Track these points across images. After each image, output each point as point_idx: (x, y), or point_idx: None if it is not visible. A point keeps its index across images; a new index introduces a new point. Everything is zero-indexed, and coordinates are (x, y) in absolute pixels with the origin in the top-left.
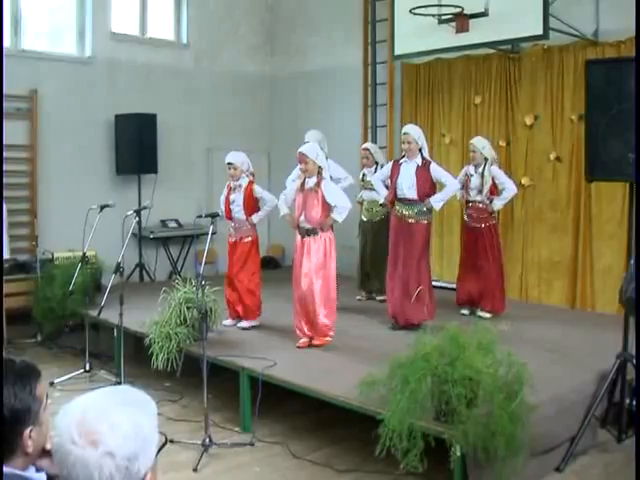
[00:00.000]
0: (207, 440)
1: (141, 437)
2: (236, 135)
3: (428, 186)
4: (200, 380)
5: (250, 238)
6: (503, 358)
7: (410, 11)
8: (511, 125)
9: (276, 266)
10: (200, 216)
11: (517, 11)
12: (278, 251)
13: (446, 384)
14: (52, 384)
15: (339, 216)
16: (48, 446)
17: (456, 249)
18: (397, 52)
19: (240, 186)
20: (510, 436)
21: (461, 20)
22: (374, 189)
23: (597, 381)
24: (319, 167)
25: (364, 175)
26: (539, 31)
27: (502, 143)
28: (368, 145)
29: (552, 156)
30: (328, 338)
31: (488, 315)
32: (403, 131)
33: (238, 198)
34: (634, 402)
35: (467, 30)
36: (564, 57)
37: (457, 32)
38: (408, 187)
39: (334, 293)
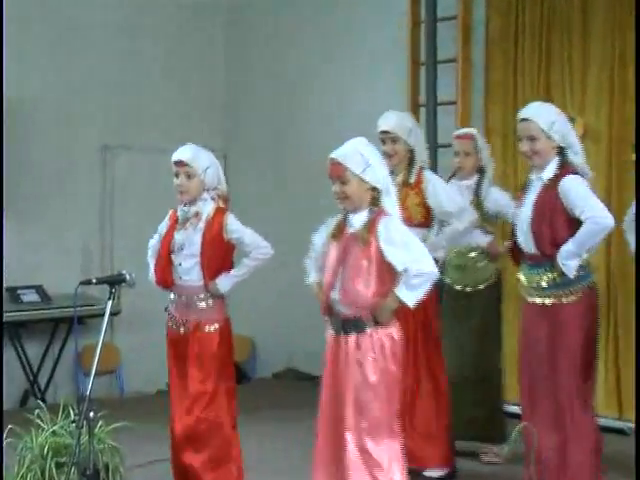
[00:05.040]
0: None
1: None
2: (160, 122)
3: (560, 225)
4: None
5: (216, 325)
6: None
7: None
8: None
9: (240, 377)
10: (89, 281)
11: None
12: (243, 349)
13: None
14: None
15: (410, 294)
16: None
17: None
18: None
19: (198, 216)
20: None
21: None
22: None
23: None
24: (372, 189)
25: None
26: None
27: None
28: (472, 131)
29: None
30: None
31: None
32: (520, 116)
33: (192, 240)
34: None
35: None
36: None
37: None
38: (523, 232)
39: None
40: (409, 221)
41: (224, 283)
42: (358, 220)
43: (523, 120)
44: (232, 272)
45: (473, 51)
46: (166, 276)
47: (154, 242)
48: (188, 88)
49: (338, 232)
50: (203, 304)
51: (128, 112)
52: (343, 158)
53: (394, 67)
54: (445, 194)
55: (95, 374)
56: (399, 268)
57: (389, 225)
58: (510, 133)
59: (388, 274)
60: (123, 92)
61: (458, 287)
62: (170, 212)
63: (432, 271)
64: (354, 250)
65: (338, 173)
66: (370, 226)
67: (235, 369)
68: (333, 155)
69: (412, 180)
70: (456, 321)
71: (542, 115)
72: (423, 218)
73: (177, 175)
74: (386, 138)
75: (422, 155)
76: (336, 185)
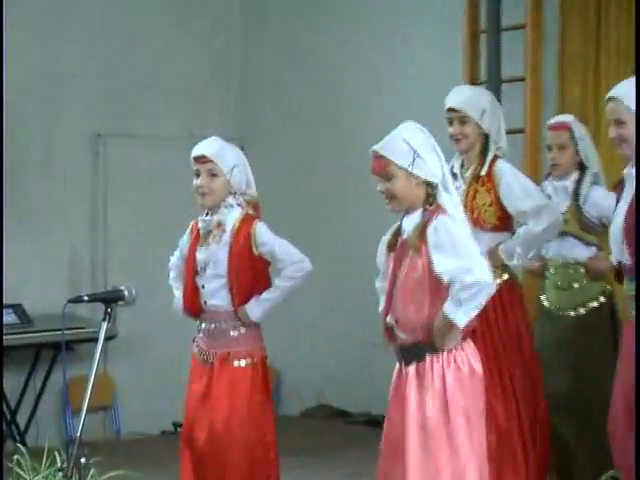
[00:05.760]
0: None
1: None
2: (164, 107)
3: None
4: None
5: (248, 360)
6: None
7: None
8: None
9: None
10: (79, 299)
11: None
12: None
13: None
14: None
15: (459, 310)
16: None
17: None
18: None
19: (220, 227)
20: None
21: None
22: (573, 235)
23: None
24: (426, 184)
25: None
26: None
27: None
28: (568, 119)
29: None
30: None
31: None
32: (608, 95)
33: (217, 257)
34: None
35: None
36: None
37: None
38: (616, 240)
39: None
40: (479, 224)
41: (254, 309)
42: (410, 223)
43: (610, 100)
44: (263, 295)
45: (545, 17)
46: (195, 304)
47: (175, 260)
48: (197, 68)
49: (393, 241)
50: (233, 333)
51: (128, 99)
52: (385, 150)
53: (447, 36)
54: (522, 190)
55: (86, 411)
56: (445, 279)
57: (439, 227)
58: (590, 116)
59: (445, 288)
60: (123, 74)
61: (556, 310)
62: (191, 224)
63: (484, 281)
64: (405, 260)
65: (381, 168)
66: (421, 230)
67: None
68: (375, 147)
69: (484, 172)
70: (554, 352)
71: (633, 93)
72: (498, 220)
73: (197, 174)
74: (453, 117)
75: (500, 142)
76: (381, 183)
